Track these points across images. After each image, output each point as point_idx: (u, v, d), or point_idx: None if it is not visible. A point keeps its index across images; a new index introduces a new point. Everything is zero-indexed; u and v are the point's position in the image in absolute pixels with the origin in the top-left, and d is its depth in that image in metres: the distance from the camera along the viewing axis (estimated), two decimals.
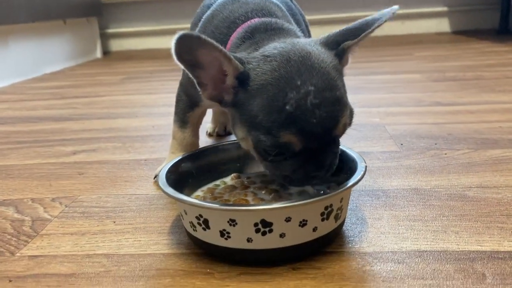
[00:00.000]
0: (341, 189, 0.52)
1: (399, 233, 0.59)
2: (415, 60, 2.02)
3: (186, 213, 0.54)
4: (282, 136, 0.52)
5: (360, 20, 0.59)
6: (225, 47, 0.66)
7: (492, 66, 1.77)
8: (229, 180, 0.69)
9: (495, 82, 1.48)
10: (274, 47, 0.56)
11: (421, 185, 0.73)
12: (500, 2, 2.79)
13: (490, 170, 0.77)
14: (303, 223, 0.50)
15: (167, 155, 0.84)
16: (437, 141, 0.93)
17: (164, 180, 0.57)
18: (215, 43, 0.51)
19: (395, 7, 0.58)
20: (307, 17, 0.94)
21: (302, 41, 0.58)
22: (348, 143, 0.87)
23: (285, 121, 0.52)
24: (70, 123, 1.30)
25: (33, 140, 1.14)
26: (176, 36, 0.49)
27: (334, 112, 0.53)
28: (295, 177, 0.57)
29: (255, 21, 0.64)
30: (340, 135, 0.57)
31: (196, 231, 0.54)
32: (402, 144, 0.92)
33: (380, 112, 1.18)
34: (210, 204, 0.51)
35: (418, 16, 3.09)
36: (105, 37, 3.25)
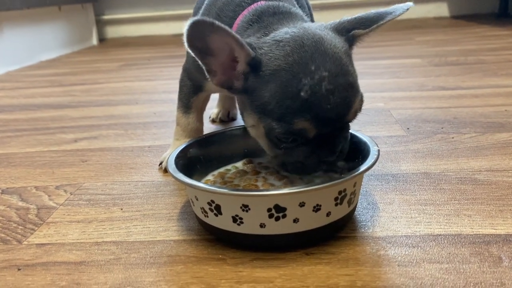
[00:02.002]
0: (355, 173, 0.51)
1: (411, 217, 0.58)
2: (415, 45, 2.01)
3: (197, 199, 0.53)
4: (296, 123, 0.52)
5: (373, 11, 0.58)
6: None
7: (494, 50, 1.76)
8: (240, 165, 0.68)
9: (498, 66, 1.47)
10: (285, 32, 0.55)
11: (431, 169, 0.72)
12: None
13: (499, 154, 0.76)
14: (317, 208, 0.50)
15: (171, 142, 0.83)
16: (443, 125, 0.92)
17: (174, 165, 0.56)
18: (228, 28, 0.50)
19: (409, 3, 0.57)
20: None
21: (313, 25, 0.57)
22: (354, 127, 0.85)
23: (299, 108, 0.51)
24: (69, 111, 1.28)
25: (33, 128, 1.13)
26: (189, 21, 0.47)
27: (348, 98, 0.52)
28: (308, 163, 0.56)
29: (262, 3, 0.63)
30: (351, 121, 0.57)
31: (207, 217, 0.53)
32: (408, 129, 0.91)
33: (384, 97, 1.16)
34: (223, 190, 0.50)
35: (418, 1, 3.06)
36: (100, 24, 3.21)
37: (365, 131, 0.91)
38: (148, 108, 1.25)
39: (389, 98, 1.16)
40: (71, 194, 0.73)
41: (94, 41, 3.04)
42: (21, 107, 1.38)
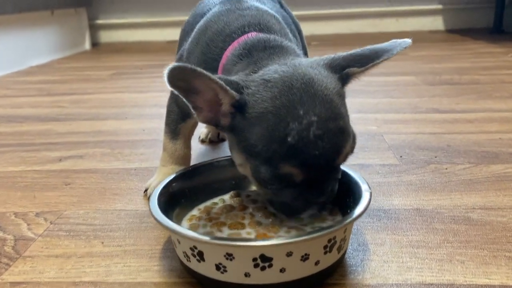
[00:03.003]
0: (346, 221, 0.49)
1: (402, 262, 0.56)
2: (410, 61, 2.00)
3: (179, 242, 0.51)
4: (282, 168, 0.50)
5: (369, 47, 0.56)
6: (219, 61, 0.62)
7: (488, 69, 1.76)
8: (227, 198, 0.66)
9: (492, 87, 1.47)
10: (274, 70, 0.53)
11: (423, 204, 0.70)
12: (495, 2, 2.77)
13: (493, 189, 0.74)
14: (305, 257, 0.47)
15: (158, 168, 0.81)
16: (436, 154, 0.90)
17: (156, 204, 0.53)
18: (210, 75, 0.48)
19: (408, 40, 0.56)
20: (296, 13, 0.91)
21: (304, 62, 0.55)
22: None
23: (286, 153, 0.49)
24: (56, 124, 1.25)
25: (18, 143, 1.10)
26: (168, 67, 0.46)
27: (338, 143, 0.51)
28: (295, 205, 0.55)
29: (252, 36, 0.61)
30: (342, 163, 0.55)
31: (190, 261, 0.51)
32: (401, 157, 0.90)
33: (377, 119, 1.15)
34: (206, 238, 0.47)
35: (412, 14, 3.07)
36: (94, 29, 3.17)
37: (357, 158, 0.89)
38: (138, 123, 1.22)
39: (382, 121, 1.14)
40: (51, 223, 0.70)
41: (87, 46, 3.01)
42: (7, 118, 1.35)
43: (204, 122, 0.54)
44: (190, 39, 0.70)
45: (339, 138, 0.51)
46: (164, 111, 0.79)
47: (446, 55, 2.15)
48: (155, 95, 1.55)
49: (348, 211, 0.56)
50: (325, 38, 2.96)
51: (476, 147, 0.93)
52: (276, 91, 0.50)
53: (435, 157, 0.89)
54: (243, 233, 0.56)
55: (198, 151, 0.98)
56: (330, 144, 0.49)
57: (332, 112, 0.50)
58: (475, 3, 3.00)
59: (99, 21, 3.18)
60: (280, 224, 0.57)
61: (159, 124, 1.17)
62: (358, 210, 0.50)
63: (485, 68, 1.79)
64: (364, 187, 0.56)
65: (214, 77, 0.48)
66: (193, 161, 0.90)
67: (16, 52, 2.29)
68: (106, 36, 3.24)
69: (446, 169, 0.83)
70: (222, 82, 0.49)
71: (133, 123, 1.22)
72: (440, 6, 3.03)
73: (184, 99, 0.51)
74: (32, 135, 1.16)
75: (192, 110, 0.53)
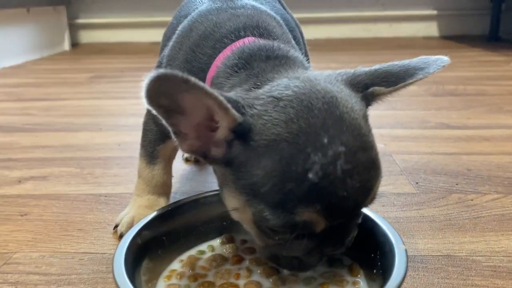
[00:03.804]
0: None
1: None
2: None
3: None
4: (300, 214, 0.37)
5: (397, 63, 0.44)
6: (207, 72, 0.49)
7: (492, 79, 1.66)
8: (218, 244, 0.52)
9: (501, 99, 1.36)
10: (286, 85, 0.40)
11: (454, 250, 0.58)
12: (491, 8, 2.69)
13: None
14: None
15: (132, 198, 0.67)
16: (457, 180, 0.79)
17: (123, 271, 0.40)
18: (207, 87, 0.35)
19: (446, 58, 0.44)
20: (295, 15, 0.79)
21: (320, 77, 0.43)
22: None
23: (306, 194, 0.37)
24: (21, 136, 1.10)
25: None
26: (150, 75, 0.32)
27: (369, 181, 0.39)
28: (307, 260, 0.42)
29: (250, 41, 0.48)
30: (368, 206, 0.42)
31: None
32: (417, 183, 0.78)
33: (383, 136, 1.03)
34: None
35: (406, 19, 2.97)
36: (74, 28, 3.01)
37: None
38: (113, 136, 1.08)
39: (389, 138, 1.02)
40: None
41: (66, 46, 2.84)
42: None
43: (188, 152, 0.41)
44: (171, 43, 0.56)
45: (371, 174, 0.39)
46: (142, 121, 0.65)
47: None
48: (134, 103, 1.41)
49: (374, 271, 0.44)
50: (316, 43, 2.84)
51: (500, 172, 0.82)
52: (292, 113, 0.38)
53: (456, 184, 0.77)
54: None
55: (181, 173, 0.85)
56: (360, 182, 0.38)
57: (362, 140, 0.39)
58: (470, 9, 2.92)
59: (79, 21, 3.02)
60: (285, 287, 0.44)
61: (137, 138, 1.02)
62: (394, 282, 0.38)
63: (489, 78, 1.69)
64: (395, 240, 0.43)
65: (213, 91, 0.35)
66: (175, 186, 0.76)
67: None
68: (86, 36, 3.07)
69: (472, 200, 0.71)
70: (222, 98, 0.36)
71: (108, 136, 1.08)
72: (435, 12, 2.94)
73: (164, 122, 0.38)
74: None
75: (172, 136, 0.40)
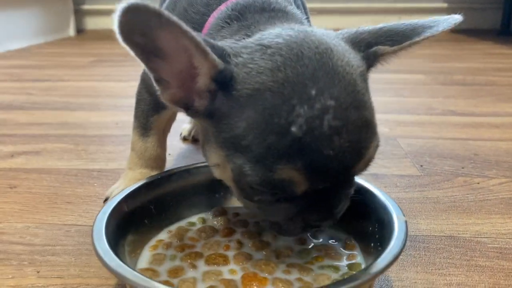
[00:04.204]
0: (373, 274, 0.33)
1: None
2: (417, 58, 1.85)
3: None
4: (279, 171, 0.34)
5: (404, 21, 0.41)
6: (201, 31, 0.47)
7: (502, 71, 1.61)
8: (210, 216, 0.50)
9: (510, 89, 1.32)
10: (277, 33, 0.37)
11: (458, 231, 0.55)
12: (503, 2, 2.63)
13: None
14: None
15: (124, 171, 0.65)
16: (463, 164, 0.75)
17: (102, 230, 0.38)
18: (183, 25, 0.32)
19: (457, 16, 0.41)
20: None
21: (318, 30, 0.40)
22: None
23: (287, 149, 0.34)
24: (18, 113, 1.08)
25: None
26: (122, 6, 0.30)
27: (360, 142, 0.35)
28: (289, 227, 0.39)
29: None
30: (360, 173, 0.39)
31: None
32: (422, 166, 0.75)
33: (389, 121, 1.00)
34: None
35: (416, 11, 2.92)
36: (79, 14, 2.99)
37: (371, 167, 0.73)
38: (110, 116, 1.05)
39: (394, 122, 0.99)
40: None
41: (71, 32, 2.82)
42: None
43: (171, 102, 0.38)
44: (165, 4, 0.54)
45: (362, 135, 0.36)
46: None
47: (454, 54, 2.00)
48: (135, 85, 1.38)
49: (372, 244, 0.41)
50: None
51: (509, 157, 0.78)
52: (279, 60, 0.35)
53: (462, 168, 0.74)
54: (225, 271, 0.40)
55: (178, 151, 0.82)
56: (350, 141, 0.35)
57: (356, 97, 0.35)
58: (481, 3, 2.86)
59: (85, 6, 2.99)
60: (277, 260, 0.41)
61: None
62: (391, 252, 0.35)
63: (499, 69, 1.65)
64: (395, 211, 0.40)
65: (189, 29, 0.32)
66: (171, 164, 0.74)
67: None
68: (92, 23, 3.05)
69: (478, 183, 0.68)
70: (200, 39, 0.33)
71: (105, 115, 1.06)
72: (445, 5, 2.89)
73: (143, 64, 0.35)
74: None
75: (154, 84, 0.37)
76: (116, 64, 1.78)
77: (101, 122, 1.00)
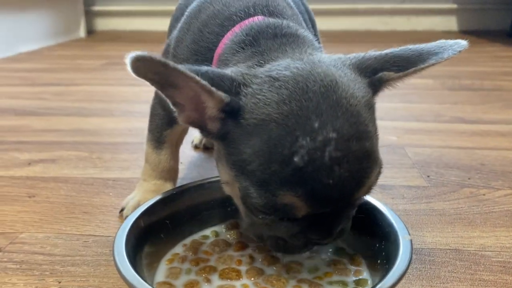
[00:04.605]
0: None
1: None
2: None
3: None
4: (282, 197, 0.37)
5: (410, 47, 0.43)
6: (215, 50, 0.49)
7: (510, 75, 1.62)
8: (222, 230, 0.52)
9: None
10: (286, 65, 0.40)
11: (463, 244, 0.57)
12: None
13: None
14: None
15: (138, 182, 0.67)
16: (470, 175, 0.77)
17: (123, 251, 0.40)
18: (188, 72, 0.35)
19: (464, 43, 0.42)
20: (312, 7, 0.78)
21: (326, 59, 0.42)
22: None
23: (289, 178, 0.36)
24: (33, 119, 1.11)
25: None
26: (130, 56, 0.33)
27: (360, 172, 0.37)
28: (292, 243, 0.41)
29: (259, 19, 0.47)
30: (362, 198, 0.41)
31: None
32: (429, 177, 0.76)
33: (397, 128, 1.01)
34: None
35: (425, 13, 2.92)
36: (90, 15, 3.02)
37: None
38: (124, 122, 1.08)
39: (402, 130, 1.00)
40: (0, 250, 0.56)
41: (82, 33, 2.86)
42: None
43: (187, 123, 0.41)
44: (179, 25, 0.56)
45: (363, 165, 0.38)
46: None
47: (462, 57, 1.98)
48: (147, 90, 1.40)
49: (378, 261, 0.43)
50: (333, 34, 2.81)
51: None
52: (285, 94, 0.37)
53: (469, 178, 0.75)
54: (238, 285, 0.42)
55: (189, 160, 0.84)
56: (350, 172, 0.37)
57: (358, 129, 0.37)
58: (491, 4, 2.85)
59: (96, 8, 3.03)
60: (288, 276, 0.43)
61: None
62: (397, 272, 0.37)
63: (507, 73, 1.65)
64: (401, 230, 0.42)
65: (192, 74, 0.35)
66: (183, 173, 0.76)
67: (5, 37, 2.15)
68: (102, 24, 3.08)
69: (484, 195, 0.70)
70: (204, 83, 0.36)
71: (119, 122, 1.08)
72: (454, 6, 2.88)
73: (160, 93, 0.38)
74: (3, 131, 1.02)
75: (171, 106, 0.40)
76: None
77: (115, 129, 1.03)
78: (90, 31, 3.01)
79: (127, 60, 0.33)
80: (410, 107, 1.19)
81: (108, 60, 1.97)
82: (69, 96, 1.35)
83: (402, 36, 2.76)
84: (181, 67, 0.35)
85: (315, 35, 0.70)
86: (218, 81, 0.37)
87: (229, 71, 0.40)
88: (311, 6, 0.77)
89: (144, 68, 0.34)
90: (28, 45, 2.31)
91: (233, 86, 0.38)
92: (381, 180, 0.75)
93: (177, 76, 0.35)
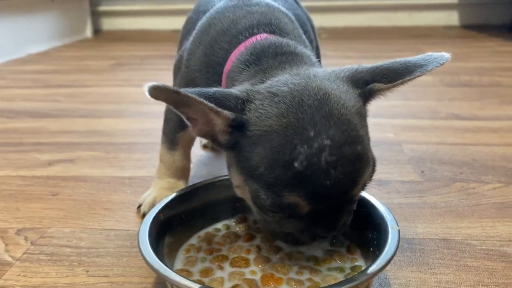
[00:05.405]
0: (370, 274, 0.41)
1: None
2: None
3: (171, 286, 0.43)
4: (286, 197, 0.43)
5: (399, 60, 0.48)
6: (224, 65, 0.54)
7: (509, 70, 1.66)
8: (232, 223, 0.58)
9: None
10: (284, 82, 0.45)
11: (451, 234, 0.62)
12: None
13: None
14: None
15: (153, 180, 0.73)
16: (462, 170, 0.82)
17: (146, 240, 0.46)
18: (197, 98, 0.41)
19: (446, 55, 0.47)
20: (305, 4, 0.83)
21: (320, 74, 0.47)
22: None
23: (291, 181, 0.42)
24: (49, 121, 1.17)
25: (5, 142, 1.02)
26: (148, 85, 0.38)
27: (354, 173, 0.43)
28: (299, 238, 0.47)
29: (262, 38, 0.53)
30: (358, 194, 0.47)
31: None
32: (423, 172, 0.81)
33: (394, 125, 1.06)
34: None
35: (427, 8, 2.95)
36: (96, 15, 3.07)
37: (376, 173, 0.80)
38: (136, 123, 1.14)
39: (399, 127, 1.05)
40: (32, 243, 0.62)
41: (88, 33, 2.91)
42: None
43: (199, 135, 0.48)
44: (191, 38, 0.61)
45: (356, 167, 0.43)
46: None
47: (463, 53, 2.04)
48: None
49: (371, 249, 0.49)
50: (336, 31, 2.85)
51: (504, 162, 0.85)
52: (283, 108, 0.43)
53: (460, 173, 0.81)
54: (247, 272, 0.48)
55: (198, 159, 0.90)
56: (344, 173, 0.42)
57: (349, 135, 0.43)
58: None
59: (102, 8, 3.08)
60: (290, 263, 0.49)
61: (159, 125, 1.08)
62: (384, 258, 0.42)
63: (506, 69, 1.69)
64: (390, 221, 0.48)
65: (200, 99, 0.41)
66: (193, 171, 0.82)
67: (14, 39, 2.21)
68: (108, 24, 3.14)
69: (474, 188, 0.75)
70: (212, 105, 0.42)
71: (131, 122, 1.14)
72: (456, 1, 2.91)
73: (174, 110, 0.44)
74: (22, 133, 1.08)
75: (185, 121, 0.46)
76: (135, 67, 1.87)
77: (127, 130, 1.08)
78: (96, 31, 3.06)
79: (145, 88, 0.39)
80: (408, 105, 1.24)
81: (116, 61, 2.03)
82: (81, 98, 1.41)
83: (404, 31, 2.80)
84: (191, 92, 0.41)
85: (315, 42, 0.75)
86: (224, 101, 0.43)
87: (235, 89, 0.46)
88: (313, 4, 0.82)
89: (160, 94, 0.40)
90: (36, 46, 2.37)
91: (238, 103, 0.44)
92: (377, 176, 0.80)
93: (188, 100, 0.41)
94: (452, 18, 2.97)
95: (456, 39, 2.50)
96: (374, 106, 1.39)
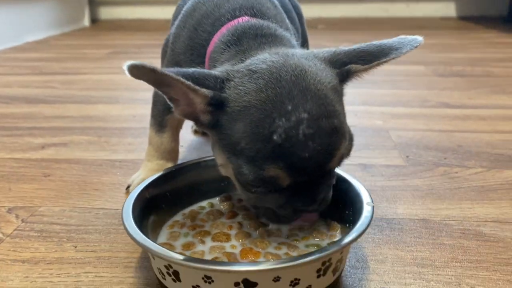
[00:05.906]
0: (342, 244, 0.42)
1: (405, 283, 0.50)
2: (420, 49, 1.88)
3: (153, 258, 0.45)
4: (267, 170, 0.44)
5: (375, 43, 0.49)
6: (207, 47, 0.56)
7: (502, 61, 1.67)
8: (217, 201, 0.60)
9: (506, 80, 1.39)
10: (263, 59, 0.47)
11: (430, 214, 0.64)
12: None
13: (507, 199, 0.68)
14: (294, 282, 0.41)
15: (143, 162, 0.75)
16: (446, 155, 0.84)
17: (129, 213, 0.47)
18: (174, 76, 0.42)
19: (419, 38, 0.49)
20: None
21: (298, 53, 0.49)
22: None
23: (271, 154, 0.43)
24: (44, 107, 1.18)
25: (1, 126, 1.04)
26: (126, 64, 0.40)
27: (331, 145, 0.44)
28: (281, 213, 0.49)
29: (244, 21, 0.54)
30: (336, 167, 0.49)
31: (165, 279, 0.45)
32: (408, 157, 0.83)
33: (383, 113, 1.08)
34: (179, 258, 0.41)
35: None
36: (94, 4, 3.08)
37: (360, 157, 0.82)
38: (129, 109, 1.15)
39: (388, 115, 1.07)
40: (22, 221, 0.64)
41: (86, 22, 2.92)
42: None
43: (182, 116, 0.48)
44: (176, 22, 0.63)
45: (333, 138, 0.45)
46: None
47: (458, 44, 2.05)
48: None
49: (347, 225, 0.50)
50: (333, 21, 2.86)
51: (489, 148, 0.87)
52: (262, 83, 0.44)
53: (445, 158, 0.82)
54: (227, 246, 0.50)
55: (189, 143, 0.92)
56: (321, 145, 0.44)
57: (326, 109, 0.44)
58: None
59: None
60: (270, 239, 0.51)
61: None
62: (356, 230, 0.44)
63: (499, 59, 1.70)
64: (365, 199, 0.50)
65: (177, 77, 0.42)
66: (183, 155, 0.84)
67: (12, 27, 2.22)
68: (106, 13, 3.14)
69: (456, 173, 0.77)
70: (189, 83, 0.43)
71: (124, 108, 1.16)
72: None
73: (156, 89, 0.46)
74: (17, 118, 1.10)
75: (168, 101, 0.47)
76: (131, 56, 1.88)
77: (120, 115, 1.10)
78: (94, 20, 3.07)
79: (125, 67, 0.40)
80: (398, 93, 1.26)
81: (112, 49, 2.04)
82: (77, 85, 1.42)
83: (401, 22, 2.81)
84: (168, 71, 0.42)
85: (302, 29, 0.76)
86: (203, 80, 0.44)
87: (215, 71, 0.47)
88: None
89: (138, 73, 0.41)
90: (34, 35, 2.38)
91: (217, 83, 0.45)
92: (363, 160, 0.83)
93: (165, 78, 0.42)
94: (449, 9, 2.97)
95: (452, 30, 2.51)
96: (365, 95, 1.42)
